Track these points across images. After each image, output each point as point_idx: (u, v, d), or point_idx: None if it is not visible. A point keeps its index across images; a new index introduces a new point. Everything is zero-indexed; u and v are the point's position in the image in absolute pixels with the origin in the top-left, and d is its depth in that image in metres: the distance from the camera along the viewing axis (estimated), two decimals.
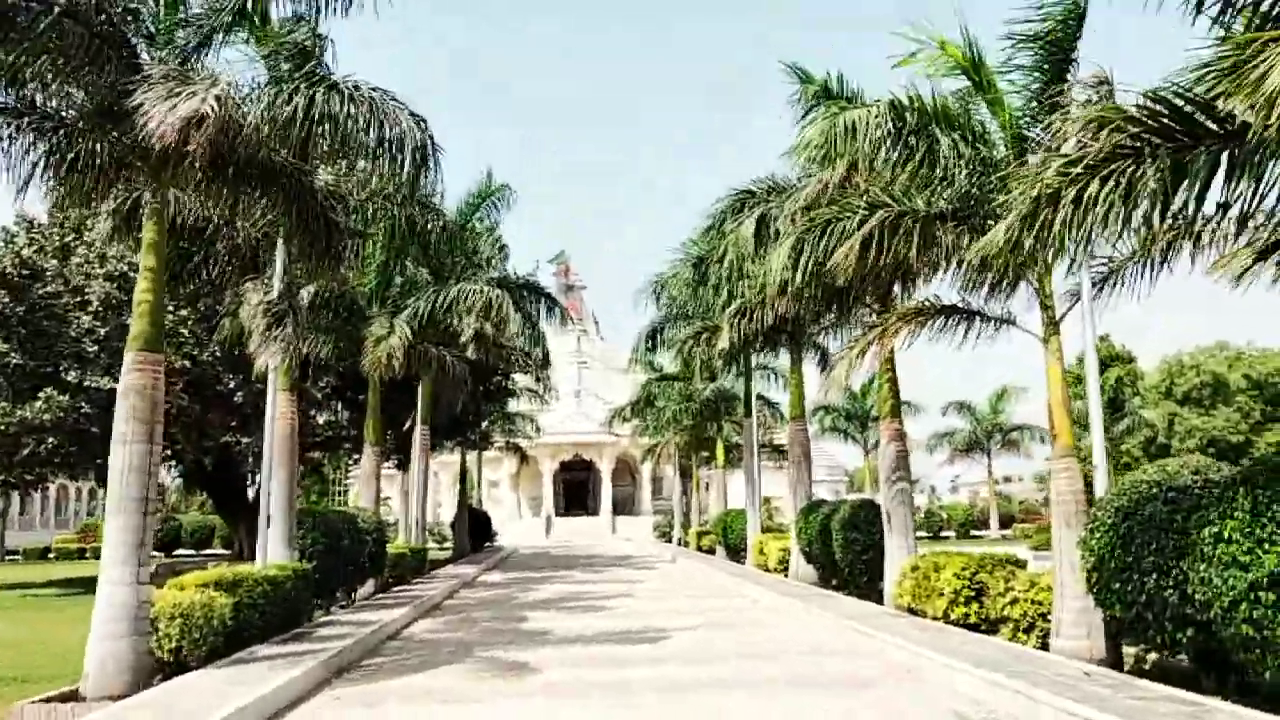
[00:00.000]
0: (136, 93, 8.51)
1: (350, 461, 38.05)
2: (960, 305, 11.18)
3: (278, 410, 13.83)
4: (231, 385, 22.34)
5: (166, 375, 21.32)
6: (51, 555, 45.59)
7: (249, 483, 29.50)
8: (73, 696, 8.72)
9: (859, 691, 9.05)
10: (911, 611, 13.39)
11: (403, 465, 31.03)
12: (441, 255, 20.83)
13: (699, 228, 22.40)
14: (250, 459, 26.05)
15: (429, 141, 9.55)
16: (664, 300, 25.67)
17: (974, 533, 47.75)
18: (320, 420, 29.30)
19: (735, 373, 34.49)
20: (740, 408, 32.48)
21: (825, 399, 47.24)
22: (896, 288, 14.60)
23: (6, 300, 20.21)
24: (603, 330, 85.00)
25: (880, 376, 15.51)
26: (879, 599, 15.50)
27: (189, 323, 21.42)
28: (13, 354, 20.51)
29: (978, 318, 11.18)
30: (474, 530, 39.03)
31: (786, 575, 21.76)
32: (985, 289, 11.07)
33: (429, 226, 15.95)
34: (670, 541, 45.30)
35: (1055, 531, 10.21)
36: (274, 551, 13.78)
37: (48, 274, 20.69)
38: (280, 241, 12.73)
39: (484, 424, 34.59)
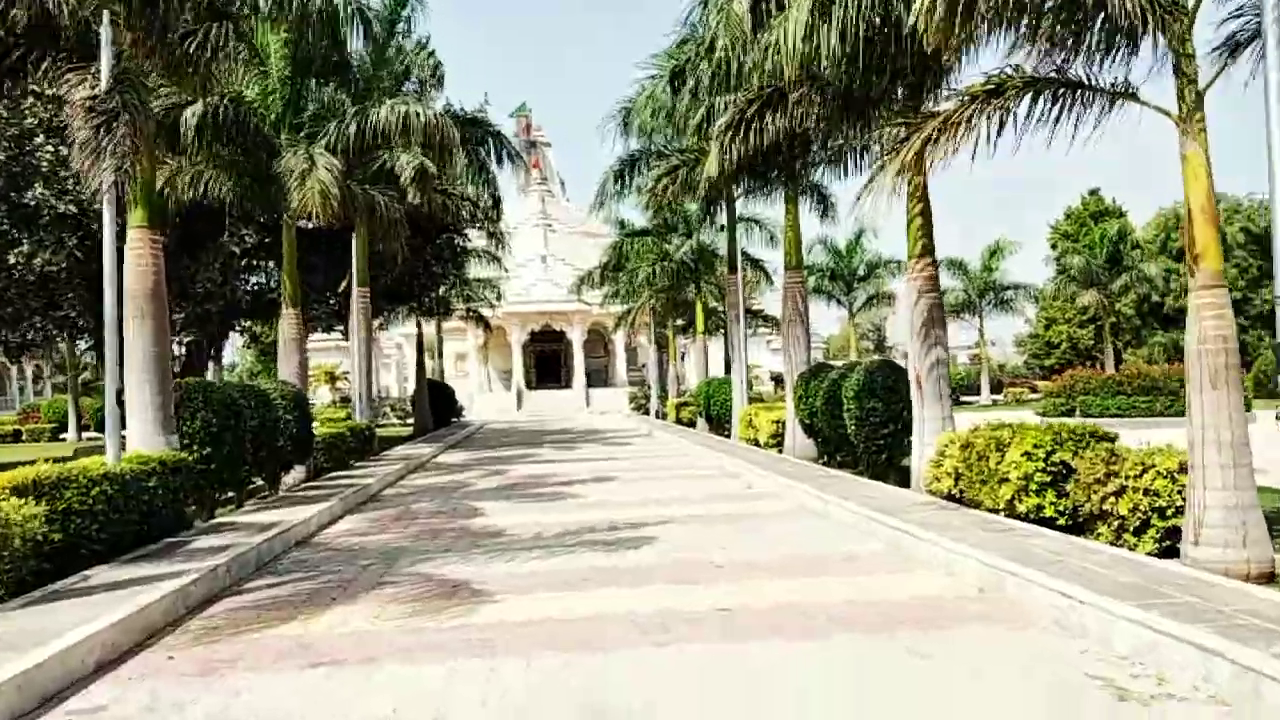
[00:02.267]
0: None
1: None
2: (1058, 76, 7.88)
3: (130, 252, 10.49)
4: None
5: (58, 226, 18.33)
6: None
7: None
8: None
9: (934, 638, 6.21)
10: (954, 499, 10.62)
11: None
12: (364, 75, 17.01)
13: (677, 35, 18.58)
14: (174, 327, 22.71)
15: None
16: (635, 131, 21.69)
17: (964, 399, 45.51)
18: (250, 283, 25.96)
19: (715, 227, 31.17)
20: (722, 267, 29.28)
21: (817, 249, 44.17)
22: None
23: None
24: (570, 194, 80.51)
25: (910, 208, 12.28)
26: (901, 480, 12.80)
27: (70, 163, 17.68)
28: None
29: (1080, 92, 7.89)
30: (437, 405, 36.28)
31: (780, 450, 19.10)
32: (1091, 50, 7.78)
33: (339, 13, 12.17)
34: (647, 414, 42.74)
35: (1194, 394, 7.24)
36: (141, 439, 10.68)
37: None
38: (106, 13, 9.14)
39: (440, 288, 31.14)
